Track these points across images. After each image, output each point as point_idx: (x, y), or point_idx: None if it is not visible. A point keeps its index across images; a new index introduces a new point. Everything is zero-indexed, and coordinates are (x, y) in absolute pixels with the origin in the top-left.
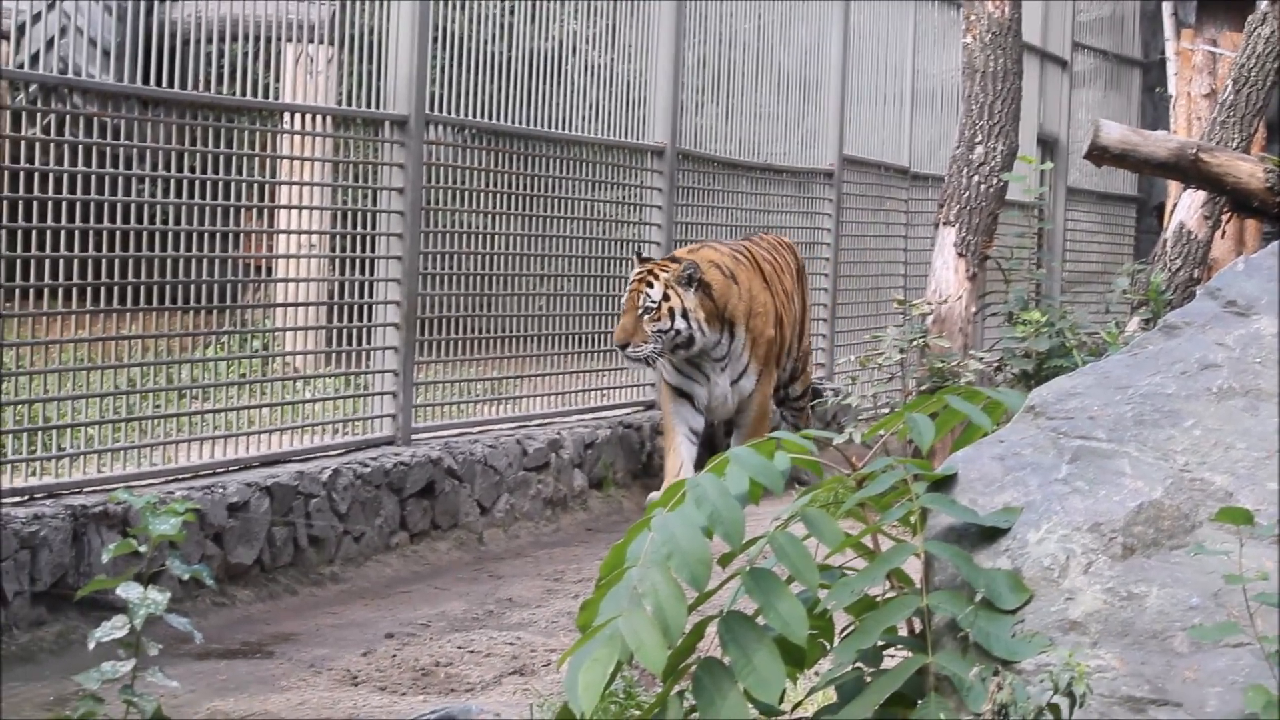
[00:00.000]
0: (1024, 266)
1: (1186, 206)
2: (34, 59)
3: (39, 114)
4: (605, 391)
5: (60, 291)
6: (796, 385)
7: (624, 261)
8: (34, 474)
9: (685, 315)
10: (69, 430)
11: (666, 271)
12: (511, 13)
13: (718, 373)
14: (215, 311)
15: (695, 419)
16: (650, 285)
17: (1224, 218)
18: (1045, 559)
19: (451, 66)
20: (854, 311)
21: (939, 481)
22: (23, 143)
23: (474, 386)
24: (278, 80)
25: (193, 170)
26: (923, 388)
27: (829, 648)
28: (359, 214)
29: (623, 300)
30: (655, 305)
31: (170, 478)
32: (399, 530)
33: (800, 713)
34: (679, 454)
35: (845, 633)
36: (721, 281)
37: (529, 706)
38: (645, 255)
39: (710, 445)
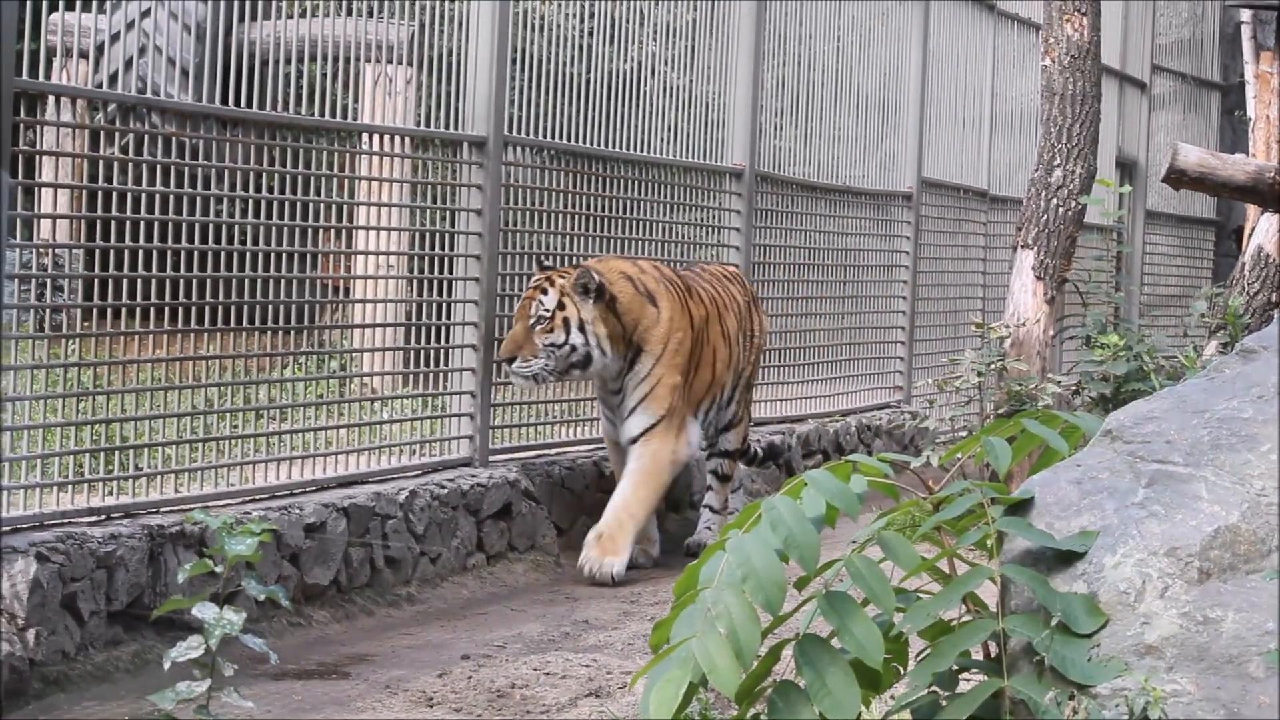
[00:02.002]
0: (1102, 290)
1: (1265, 230)
2: (113, 78)
3: (118, 133)
4: None
5: (138, 311)
6: (731, 436)
7: None
8: (111, 493)
9: (582, 328)
10: (146, 450)
11: (564, 278)
12: (590, 34)
13: (615, 409)
14: (293, 332)
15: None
16: (544, 293)
17: None
18: (1121, 583)
19: (530, 88)
20: (932, 334)
21: (1016, 505)
22: (101, 162)
23: (551, 408)
24: (356, 101)
25: (271, 190)
26: (1000, 411)
27: (904, 671)
28: (437, 235)
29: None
30: (548, 315)
31: (247, 498)
32: (476, 551)
33: None
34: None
35: (921, 656)
36: (631, 296)
37: None
38: (547, 264)
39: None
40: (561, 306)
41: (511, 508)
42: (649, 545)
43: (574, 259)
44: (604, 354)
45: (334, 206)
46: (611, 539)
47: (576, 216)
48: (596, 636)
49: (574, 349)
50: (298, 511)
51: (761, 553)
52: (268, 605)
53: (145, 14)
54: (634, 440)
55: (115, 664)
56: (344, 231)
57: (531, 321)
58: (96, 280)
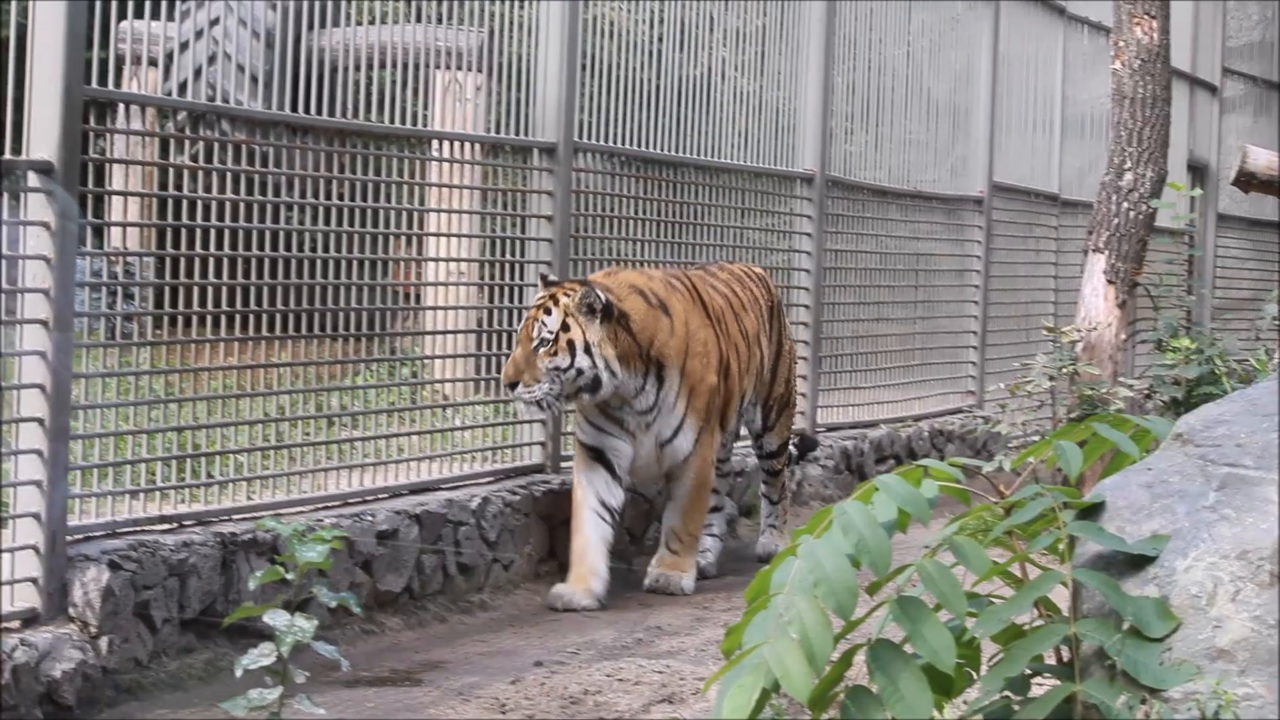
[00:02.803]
0: (1173, 293)
1: None
2: (183, 86)
3: (188, 141)
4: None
5: (210, 319)
6: (771, 438)
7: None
8: (184, 501)
9: (589, 350)
10: (219, 457)
11: (569, 296)
12: (660, 40)
13: (643, 429)
14: (365, 339)
15: (611, 491)
16: (548, 313)
17: None
18: (1193, 587)
19: (600, 94)
20: (1004, 339)
21: (1087, 509)
22: (172, 170)
23: None
24: (427, 107)
25: (342, 197)
26: (1072, 415)
27: (976, 676)
28: (508, 241)
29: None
30: (552, 337)
31: (319, 505)
32: (548, 558)
33: None
34: (584, 534)
35: (993, 661)
36: (645, 312)
37: None
38: (551, 278)
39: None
40: (566, 328)
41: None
42: (593, 582)
43: (644, 264)
44: (614, 376)
45: (405, 213)
46: (679, 557)
47: (647, 222)
48: (669, 642)
49: (580, 372)
50: (370, 519)
51: (833, 558)
52: (340, 612)
53: (215, 22)
54: (683, 459)
55: (188, 671)
56: (415, 238)
57: (535, 344)
58: (168, 288)
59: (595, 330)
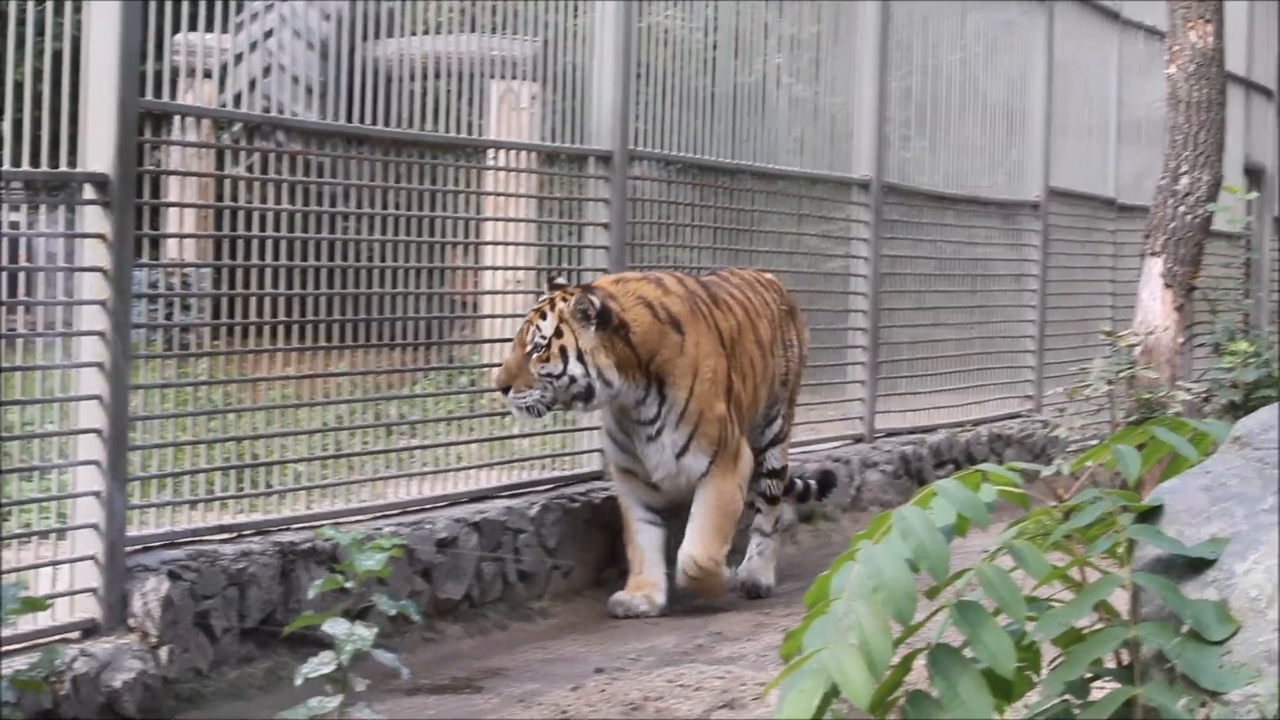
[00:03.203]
0: (1230, 297)
1: None
2: (238, 98)
3: (243, 152)
4: (814, 425)
5: (267, 329)
6: (775, 453)
7: (831, 295)
8: (243, 511)
9: (581, 358)
10: (277, 467)
11: (566, 301)
12: (715, 47)
13: (645, 441)
14: (423, 348)
15: (650, 494)
16: (543, 317)
17: None
18: (1252, 590)
19: (655, 101)
20: (1061, 343)
21: (1146, 513)
22: (228, 181)
23: None
24: (482, 117)
25: (398, 207)
26: (1130, 419)
27: (1036, 680)
28: (564, 250)
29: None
30: (544, 342)
31: (378, 514)
32: (609, 564)
33: None
34: (637, 544)
35: (1053, 665)
36: (649, 325)
37: None
38: (558, 280)
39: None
40: (559, 334)
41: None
42: (652, 590)
43: (700, 271)
44: (609, 385)
45: (461, 222)
46: (704, 583)
47: (703, 229)
48: (730, 648)
49: (573, 380)
50: (429, 527)
51: (892, 563)
52: (400, 620)
53: (269, 33)
54: (696, 481)
55: (248, 681)
56: (471, 247)
57: (528, 349)
58: (225, 298)
59: (589, 338)
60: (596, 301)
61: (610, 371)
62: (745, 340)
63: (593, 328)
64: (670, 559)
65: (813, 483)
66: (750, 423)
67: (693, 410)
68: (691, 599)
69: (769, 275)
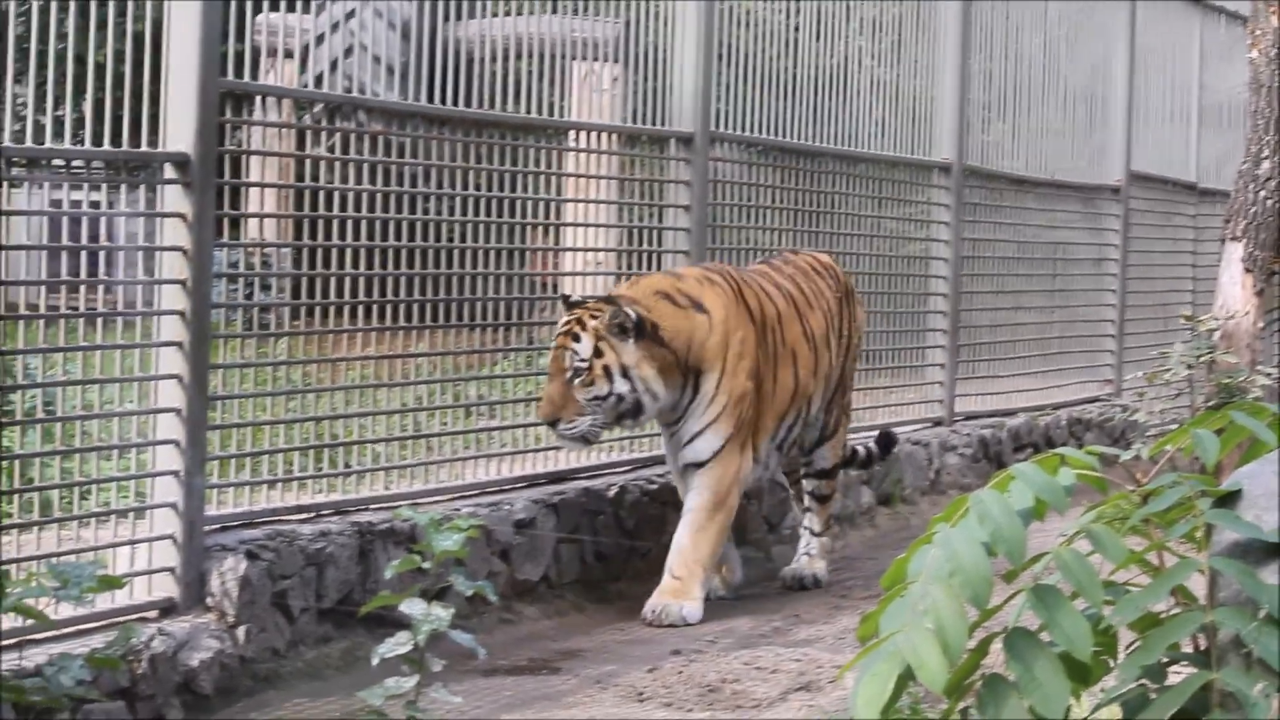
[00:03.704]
0: None
1: None
2: (319, 79)
3: (325, 133)
4: (894, 408)
5: (347, 309)
6: (825, 453)
7: (912, 279)
8: (321, 491)
9: (626, 374)
10: (356, 447)
11: (597, 318)
12: (796, 30)
13: (669, 439)
14: (503, 328)
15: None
16: (577, 339)
17: None
18: None
19: (737, 83)
20: (1142, 328)
21: (1224, 497)
22: (309, 161)
23: None
24: (563, 98)
25: (479, 188)
26: (1209, 403)
27: (1113, 664)
28: (645, 231)
29: (548, 364)
30: (585, 365)
31: (456, 495)
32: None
33: None
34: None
35: (1130, 649)
36: (674, 315)
37: None
38: (573, 299)
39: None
40: (599, 354)
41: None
42: (728, 574)
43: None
44: (656, 398)
45: (542, 203)
46: (681, 583)
47: (784, 212)
48: (807, 631)
49: (621, 399)
50: (507, 508)
51: (968, 547)
52: (477, 601)
53: (351, 14)
54: (697, 466)
55: (325, 661)
56: (552, 228)
57: (568, 375)
58: (305, 279)
59: (630, 352)
60: (632, 312)
61: (655, 382)
62: (789, 332)
63: (631, 339)
64: (753, 542)
65: (873, 446)
66: (799, 418)
67: (720, 394)
68: (763, 580)
69: (825, 258)
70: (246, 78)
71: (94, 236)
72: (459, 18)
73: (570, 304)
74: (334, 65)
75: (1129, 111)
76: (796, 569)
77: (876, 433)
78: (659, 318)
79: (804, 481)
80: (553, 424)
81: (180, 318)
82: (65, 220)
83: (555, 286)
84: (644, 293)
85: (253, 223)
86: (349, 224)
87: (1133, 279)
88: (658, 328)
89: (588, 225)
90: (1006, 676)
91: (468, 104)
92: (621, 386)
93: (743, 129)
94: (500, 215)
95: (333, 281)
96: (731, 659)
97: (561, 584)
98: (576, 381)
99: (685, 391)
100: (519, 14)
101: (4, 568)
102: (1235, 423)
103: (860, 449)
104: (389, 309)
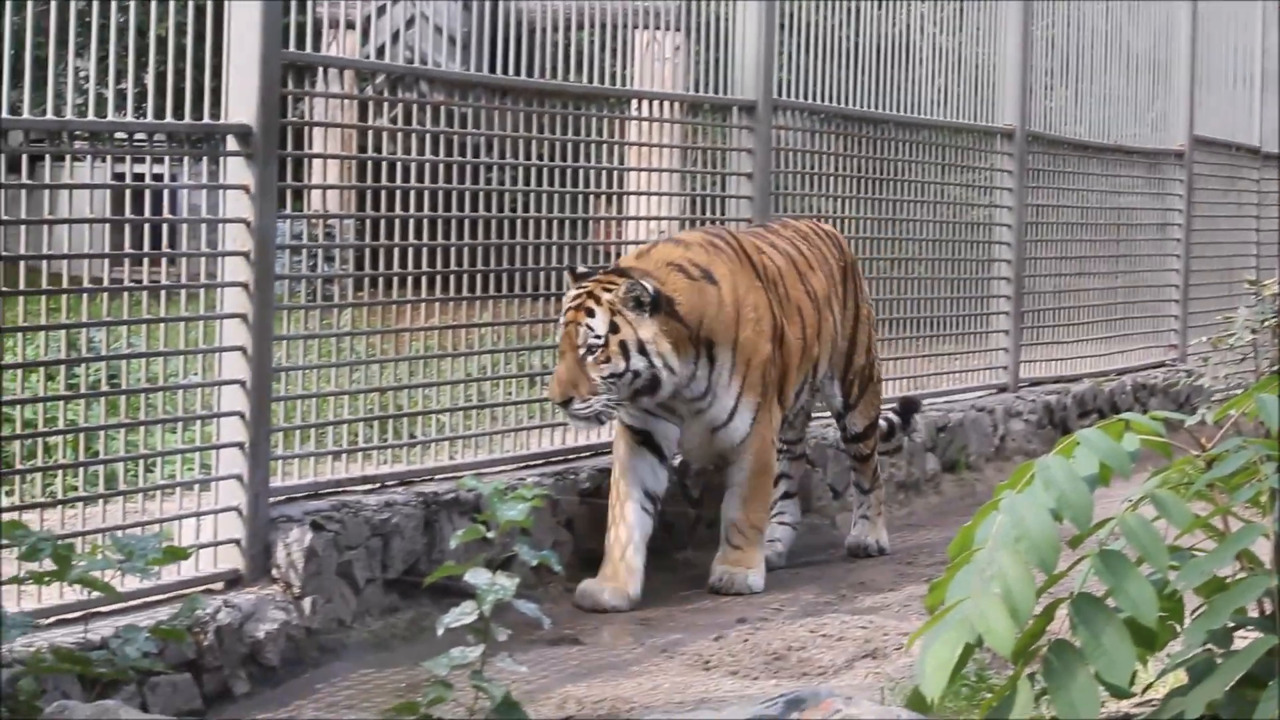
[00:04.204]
0: None
1: None
2: (381, 50)
3: (387, 104)
4: (958, 374)
5: (411, 280)
6: (855, 417)
7: (976, 246)
8: (386, 461)
9: (644, 350)
10: (421, 418)
11: (610, 291)
12: None
13: (694, 415)
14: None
15: (655, 477)
16: (590, 314)
17: None
18: None
19: (798, 51)
20: (1206, 293)
21: None
22: (371, 132)
23: None
24: (626, 67)
25: (541, 158)
26: (1274, 368)
27: (1179, 629)
28: (708, 199)
29: (556, 339)
30: (600, 341)
31: (522, 464)
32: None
33: (1151, 695)
34: (626, 523)
35: (1195, 614)
36: (688, 289)
37: (880, 690)
38: (581, 270)
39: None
40: (615, 329)
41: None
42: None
43: (845, 222)
44: (673, 373)
45: (605, 172)
46: (743, 552)
47: (846, 179)
48: (872, 598)
49: (637, 375)
50: (573, 477)
51: (1034, 512)
52: (542, 571)
53: None
54: (740, 442)
55: (391, 631)
56: (615, 197)
57: (582, 352)
58: (368, 250)
59: (648, 326)
60: (649, 286)
61: (672, 357)
62: (790, 286)
63: (648, 313)
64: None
65: (894, 417)
66: (808, 381)
67: (739, 363)
68: (829, 547)
69: (827, 226)
70: (308, 49)
71: (157, 209)
72: None
73: (578, 276)
74: (395, 36)
75: (1192, 76)
76: (858, 535)
77: (898, 402)
78: (674, 291)
79: (846, 446)
80: (565, 404)
81: (244, 289)
82: (128, 193)
83: (618, 255)
84: (656, 264)
85: (315, 194)
86: (411, 195)
87: (1196, 244)
88: (673, 302)
89: (650, 194)
90: (1072, 642)
91: (530, 74)
92: (639, 363)
93: (805, 97)
94: (563, 185)
95: (396, 252)
96: (797, 626)
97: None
98: (590, 359)
99: (699, 364)
100: None
101: (69, 541)
102: None
103: (882, 421)
104: (452, 279)
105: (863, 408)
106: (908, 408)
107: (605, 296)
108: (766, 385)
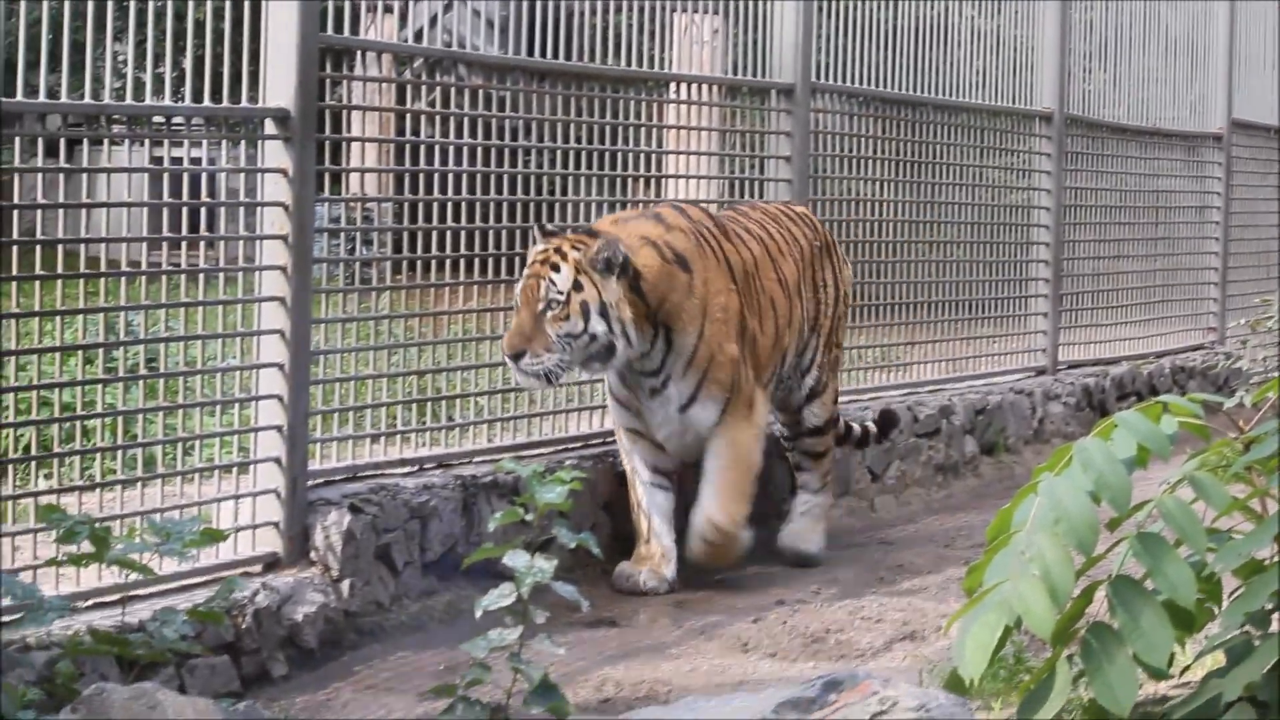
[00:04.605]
0: None
1: None
2: (419, 33)
3: (425, 87)
4: (997, 357)
5: (449, 263)
6: (815, 409)
7: (1014, 228)
8: (424, 444)
9: (605, 313)
10: (459, 401)
11: (579, 250)
12: None
13: (649, 394)
14: None
15: (660, 456)
16: (555, 269)
17: None
18: None
19: (837, 34)
20: (1244, 275)
21: None
22: (409, 116)
23: (864, 353)
24: (664, 51)
25: (579, 141)
26: None
27: (1217, 611)
28: (746, 183)
29: (516, 291)
30: (561, 298)
31: (560, 447)
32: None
33: (1188, 676)
34: (643, 506)
35: (1233, 596)
36: (658, 269)
37: (919, 672)
38: (550, 227)
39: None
40: (578, 287)
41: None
42: (661, 563)
43: (883, 205)
44: (629, 343)
45: (643, 155)
46: (724, 549)
47: (885, 162)
48: (911, 580)
49: (594, 338)
50: (610, 460)
51: (1073, 494)
52: (580, 553)
53: None
54: (707, 434)
55: (429, 614)
56: (653, 180)
57: (541, 306)
58: (406, 233)
59: (613, 289)
60: (621, 249)
61: (631, 327)
62: (763, 277)
63: (614, 277)
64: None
65: (871, 425)
66: (776, 373)
67: (702, 355)
68: (868, 530)
69: (800, 208)
70: (346, 33)
71: (195, 193)
72: None
73: (547, 232)
74: (434, 20)
75: (1230, 59)
76: (793, 536)
77: (880, 411)
78: (643, 265)
79: (799, 442)
80: (516, 357)
81: (282, 273)
82: (166, 177)
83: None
84: (630, 234)
85: (354, 177)
86: (450, 178)
87: (1235, 226)
88: (640, 276)
89: (689, 177)
90: (1111, 624)
91: (568, 57)
92: (597, 326)
93: (843, 80)
94: (601, 168)
95: (434, 235)
96: (836, 608)
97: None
98: (549, 314)
99: (656, 344)
100: None
101: (108, 524)
102: None
103: (857, 427)
104: (490, 262)
105: (824, 399)
106: (887, 421)
107: (573, 255)
108: (736, 384)
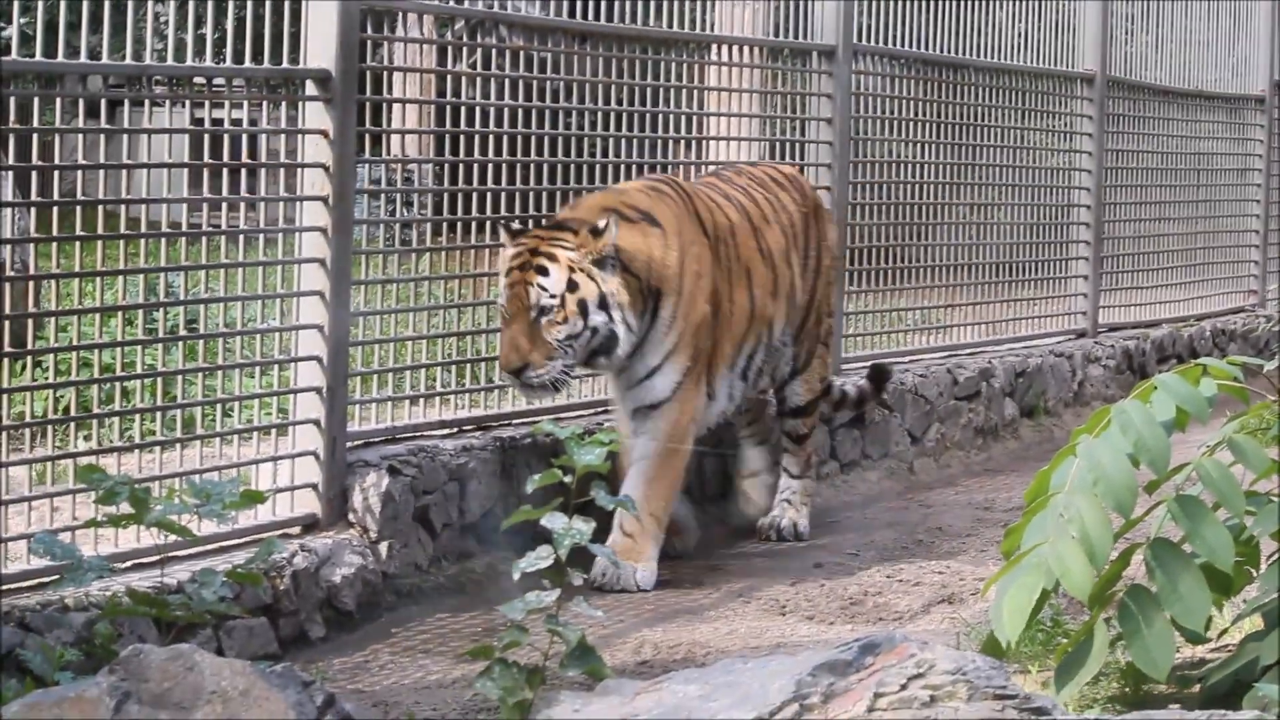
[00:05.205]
0: None
1: None
2: None
3: (466, 49)
4: (1037, 320)
5: (489, 224)
6: (798, 388)
7: (1055, 190)
8: (463, 406)
9: (604, 304)
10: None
11: (565, 247)
12: None
13: (616, 370)
14: None
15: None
16: (543, 272)
17: None
18: None
19: None
20: None
21: None
22: (450, 77)
23: (904, 316)
24: (706, 12)
25: (620, 103)
26: None
27: (1255, 575)
28: (788, 145)
29: (500, 302)
30: (556, 301)
31: (598, 409)
32: (829, 460)
33: (1226, 640)
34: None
35: (1272, 559)
36: (629, 233)
37: (956, 635)
38: (515, 227)
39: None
40: (573, 287)
41: (864, 416)
42: (685, 535)
43: (925, 167)
44: (630, 329)
45: (684, 117)
46: (633, 541)
47: (926, 124)
48: (949, 544)
49: (595, 332)
50: None
51: (1112, 456)
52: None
53: None
54: (652, 407)
55: (468, 576)
56: (694, 142)
57: (534, 314)
58: (447, 194)
59: (612, 279)
60: (612, 234)
61: (629, 311)
62: (743, 246)
63: (608, 269)
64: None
65: (864, 383)
66: (758, 349)
67: (679, 316)
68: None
69: (788, 169)
70: None
71: (236, 154)
72: None
73: (514, 233)
74: None
75: (1274, 21)
76: (774, 518)
77: (868, 369)
78: (622, 242)
79: (782, 422)
80: (518, 372)
81: (322, 234)
82: (207, 138)
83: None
84: (590, 211)
85: (394, 139)
86: (490, 139)
87: (1277, 189)
88: (619, 250)
89: (730, 139)
90: (1149, 588)
91: (609, 18)
92: (597, 319)
93: (885, 42)
94: (642, 130)
95: (474, 197)
96: (874, 572)
97: (704, 498)
98: (544, 320)
99: (644, 319)
100: None
101: (147, 485)
102: None
103: (851, 388)
104: (530, 224)
105: (807, 376)
106: (879, 375)
107: (563, 255)
108: (697, 355)
